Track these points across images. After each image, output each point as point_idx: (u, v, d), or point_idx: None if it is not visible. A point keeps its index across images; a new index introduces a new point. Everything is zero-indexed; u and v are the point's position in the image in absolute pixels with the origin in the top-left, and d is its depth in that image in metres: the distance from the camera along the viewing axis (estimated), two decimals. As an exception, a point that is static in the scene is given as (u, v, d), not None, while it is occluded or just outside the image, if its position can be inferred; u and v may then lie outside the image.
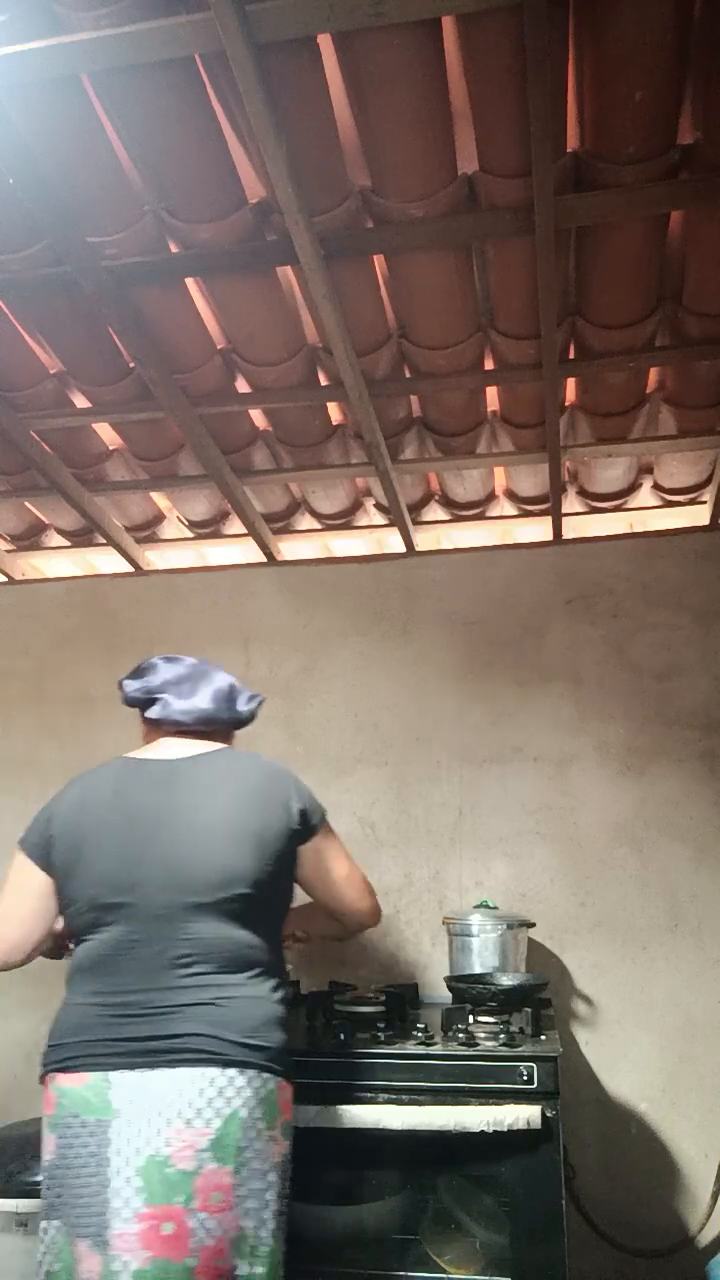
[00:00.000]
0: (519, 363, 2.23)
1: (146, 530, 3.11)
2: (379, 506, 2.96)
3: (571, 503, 2.92)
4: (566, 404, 2.47)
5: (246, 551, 3.18)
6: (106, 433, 2.65)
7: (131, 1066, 1.63)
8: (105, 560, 3.31)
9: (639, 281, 2.01)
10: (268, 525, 3.00)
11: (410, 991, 2.56)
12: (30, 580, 3.34)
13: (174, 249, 1.94)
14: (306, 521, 3.07)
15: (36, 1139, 2.29)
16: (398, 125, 1.64)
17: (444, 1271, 2.04)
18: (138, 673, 2.00)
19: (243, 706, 2.00)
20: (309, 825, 1.88)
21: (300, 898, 1.93)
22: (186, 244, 1.91)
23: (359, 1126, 2.02)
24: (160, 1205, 1.55)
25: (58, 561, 3.37)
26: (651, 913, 2.71)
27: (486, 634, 2.98)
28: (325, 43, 1.58)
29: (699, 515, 2.91)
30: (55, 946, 1.93)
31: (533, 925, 2.62)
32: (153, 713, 1.94)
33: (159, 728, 1.96)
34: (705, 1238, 2.51)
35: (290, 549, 3.18)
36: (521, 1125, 1.98)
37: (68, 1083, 1.65)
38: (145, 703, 1.96)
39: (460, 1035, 2.15)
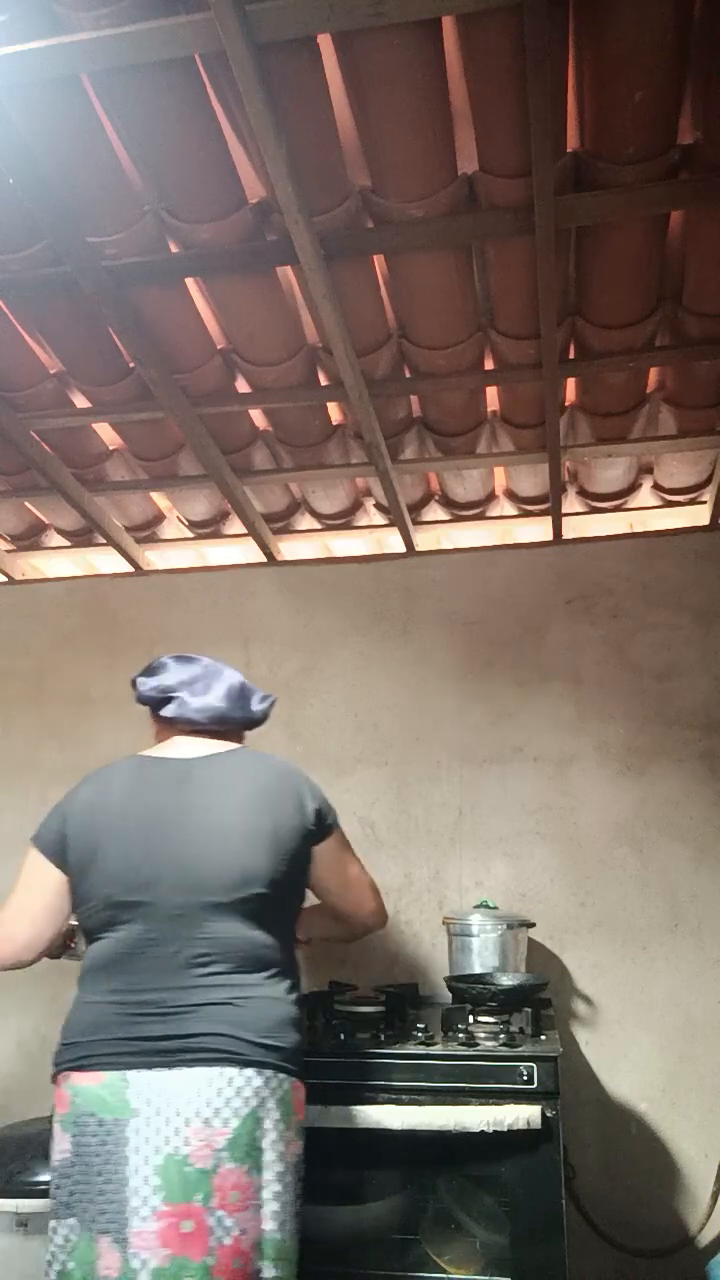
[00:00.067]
0: (519, 363, 2.24)
1: (146, 530, 3.11)
2: (379, 506, 2.96)
3: (571, 503, 2.92)
4: (566, 404, 2.47)
5: (246, 551, 3.18)
6: (106, 433, 2.65)
7: (149, 1066, 1.63)
8: (105, 560, 3.31)
9: (639, 281, 2.01)
10: (268, 525, 3.01)
11: (410, 991, 2.56)
12: (30, 580, 3.34)
13: (174, 249, 1.94)
14: (306, 521, 3.07)
15: (37, 1139, 2.30)
16: (398, 125, 1.64)
17: (444, 1271, 2.04)
18: (150, 671, 2.01)
19: (256, 706, 2.01)
20: (323, 825, 1.89)
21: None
22: (186, 244, 1.91)
23: (359, 1126, 2.02)
24: (179, 1204, 1.55)
25: (58, 561, 3.37)
26: (651, 913, 2.71)
27: (486, 634, 2.98)
28: (325, 43, 1.58)
29: (699, 515, 2.91)
30: (59, 945, 1.93)
31: (533, 925, 2.62)
32: (167, 711, 1.94)
33: (172, 726, 1.96)
34: (705, 1238, 2.51)
35: (290, 549, 3.18)
36: (521, 1125, 1.98)
37: (83, 1081, 1.65)
38: (159, 701, 1.96)
39: (460, 1035, 2.15)
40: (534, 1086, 2.02)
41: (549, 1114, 2.00)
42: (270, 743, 2.70)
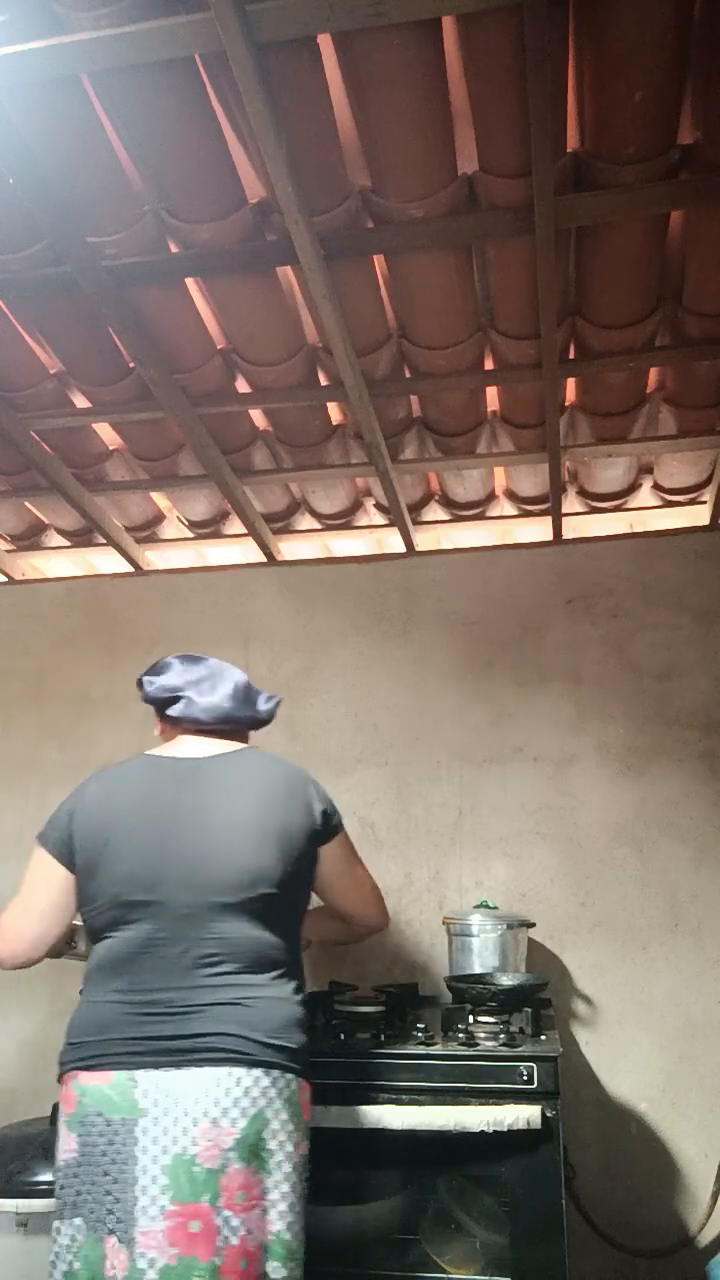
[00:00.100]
0: (519, 363, 2.23)
1: (146, 530, 3.11)
2: (379, 506, 2.96)
3: (571, 503, 2.92)
4: (566, 404, 2.47)
5: (246, 551, 3.18)
6: (106, 433, 2.65)
7: (157, 1065, 1.63)
8: (105, 560, 3.31)
9: (639, 281, 2.01)
10: (268, 525, 3.00)
11: (410, 991, 2.56)
12: (30, 580, 3.34)
13: (174, 249, 1.94)
14: (306, 521, 3.07)
15: (36, 1139, 2.30)
16: (398, 125, 1.64)
17: (444, 1271, 2.04)
18: (156, 671, 2.01)
19: (262, 706, 2.01)
20: (330, 826, 1.90)
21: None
22: (186, 244, 1.91)
23: (359, 1126, 2.02)
24: (188, 1204, 1.55)
25: (58, 561, 3.37)
26: (651, 913, 2.71)
27: (486, 634, 2.98)
28: (325, 43, 1.58)
29: (699, 515, 2.91)
30: (61, 944, 1.93)
31: (533, 925, 2.62)
32: (174, 711, 1.94)
33: (178, 725, 1.97)
34: (705, 1238, 2.51)
35: (290, 549, 3.18)
36: (521, 1125, 1.98)
37: (90, 1081, 1.65)
38: (166, 701, 1.96)
39: (460, 1035, 2.15)
40: (534, 1086, 2.02)
41: (549, 1114, 2.00)
42: (270, 742, 2.70)
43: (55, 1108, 2.36)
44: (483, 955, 2.49)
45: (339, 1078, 2.06)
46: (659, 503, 2.90)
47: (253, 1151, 1.60)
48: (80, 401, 2.44)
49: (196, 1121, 1.59)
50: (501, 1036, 2.14)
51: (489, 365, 2.30)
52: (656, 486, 2.84)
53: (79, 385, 2.37)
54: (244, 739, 2.01)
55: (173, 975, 1.69)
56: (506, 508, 2.95)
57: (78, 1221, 1.61)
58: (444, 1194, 2.10)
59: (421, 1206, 2.09)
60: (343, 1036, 2.17)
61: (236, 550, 3.20)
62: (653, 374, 2.41)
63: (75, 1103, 1.66)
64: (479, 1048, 2.10)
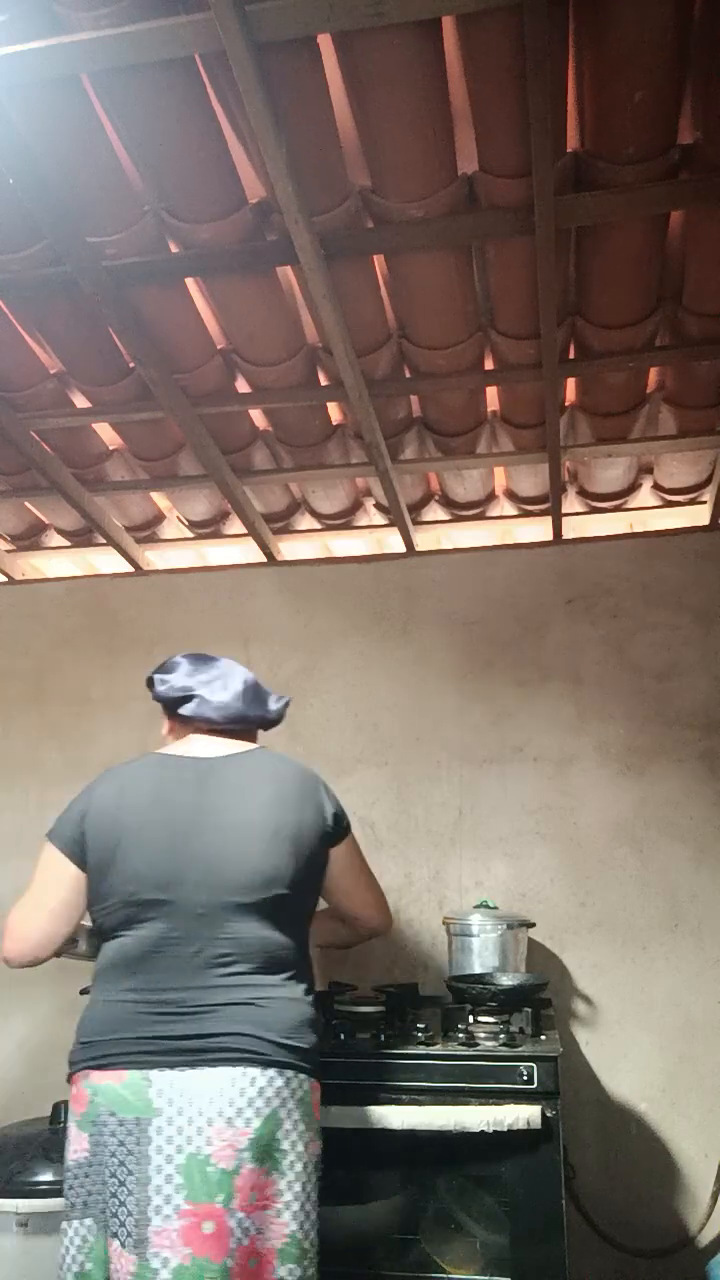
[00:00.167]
0: (519, 363, 2.23)
1: (146, 530, 3.11)
2: (379, 506, 2.96)
3: (571, 503, 2.92)
4: (566, 404, 2.47)
5: (246, 551, 3.18)
6: (106, 433, 2.65)
7: (172, 1065, 1.63)
8: (105, 560, 3.31)
9: (639, 281, 2.01)
10: (268, 525, 3.00)
11: (410, 991, 2.56)
12: (30, 580, 3.34)
13: (174, 249, 1.94)
14: (306, 521, 3.07)
15: (36, 1139, 2.30)
16: (398, 125, 1.64)
17: (444, 1271, 2.04)
18: (166, 670, 2.01)
19: (273, 706, 2.02)
20: (340, 828, 1.91)
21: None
22: (186, 244, 1.91)
23: (359, 1127, 2.02)
24: (201, 1204, 1.55)
25: (58, 561, 3.37)
26: (651, 913, 2.71)
27: (486, 634, 2.98)
28: (325, 43, 1.58)
29: (699, 515, 2.91)
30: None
31: (533, 925, 2.62)
32: (186, 710, 1.95)
33: (188, 724, 1.97)
34: (705, 1238, 2.50)
35: (290, 549, 3.18)
36: (521, 1125, 1.98)
37: (103, 1080, 1.64)
38: (178, 700, 1.96)
39: (460, 1035, 2.15)
40: (534, 1086, 2.02)
41: (549, 1114, 2.00)
42: (270, 742, 2.70)
43: (56, 1108, 2.37)
44: (483, 955, 2.49)
45: (339, 1078, 2.06)
46: (659, 503, 2.90)
47: (266, 1152, 1.60)
48: (80, 401, 2.44)
49: (211, 1121, 1.59)
50: (501, 1036, 2.14)
51: (489, 365, 2.30)
52: (656, 486, 2.84)
53: (79, 385, 2.37)
54: (253, 739, 2.01)
55: (186, 975, 1.69)
56: (506, 508, 2.95)
57: (89, 1222, 1.61)
58: (444, 1194, 2.10)
59: (422, 1206, 2.09)
60: (343, 1036, 2.17)
61: (236, 550, 3.20)
62: (653, 374, 2.41)
63: (87, 1102, 1.65)
64: (479, 1048, 2.10)
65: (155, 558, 3.26)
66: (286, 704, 2.05)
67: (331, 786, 1.95)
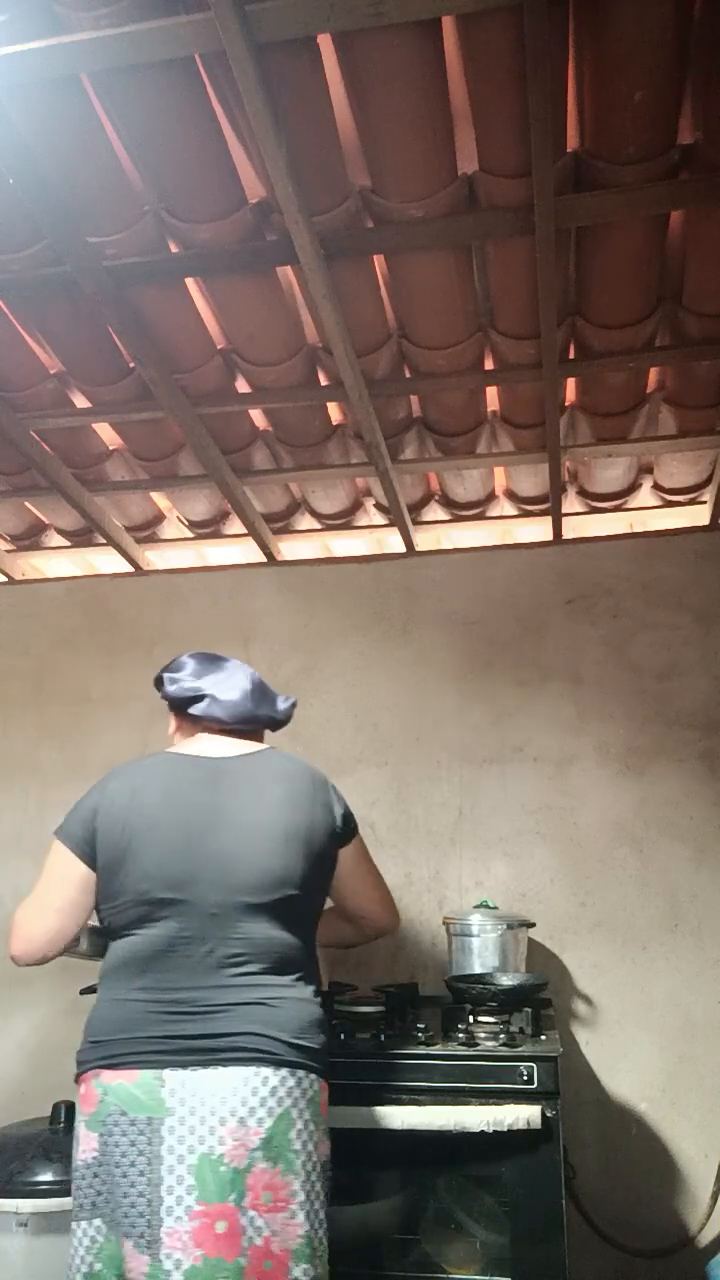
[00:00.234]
0: (519, 363, 2.23)
1: (146, 530, 3.11)
2: (379, 506, 2.96)
3: (571, 503, 2.92)
4: (566, 404, 2.47)
5: (246, 551, 3.18)
6: (106, 433, 2.65)
7: (184, 1065, 1.62)
8: (105, 560, 3.31)
9: (639, 281, 2.01)
10: (268, 525, 3.00)
11: (410, 991, 2.56)
12: (30, 580, 3.34)
13: (174, 249, 1.94)
14: (306, 521, 3.07)
15: (36, 1139, 2.30)
16: (398, 125, 1.64)
17: (444, 1271, 2.04)
18: (174, 669, 2.01)
19: (281, 706, 2.02)
20: (348, 829, 1.92)
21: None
22: (186, 244, 1.91)
23: (359, 1127, 2.02)
24: (214, 1204, 1.55)
25: (58, 561, 3.37)
26: (651, 913, 2.71)
27: (486, 634, 2.98)
28: (325, 43, 1.58)
29: (699, 515, 2.91)
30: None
31: (533, 925, 2.62)
32: (197, 709, 1.94)
33: (197, 724, 1.97)
34: (705, 1238, 2.50)
35: (290, 549, 3.18)
36: (521, 1125, 1.98)
37: (115, 1080, 1.64)
38: (188, 700, 1.96)
39: (460, 1035, 2.15)
40: (534, 1086, 2.02)
41: (549, 1114, 2.00)
42: (272, 742, 2.70)
43: (56, 1108, 2.37)
44: (483, 955, 2.49)
45: (339, 1078, 2.05)
46: (659, 503, 2.90)
47: (278, 1151, 1.60)
48: (80, 401, 2.44)
49: (224, 1121, 1.59)
50: (501, 1036, 2.14)
51: (489, 365, 2.30)
52: (656, 486, 2.84)
53: (79, 385, 2.37)
54: (260, 739, 2.01)
55: (198, 974, 1.69)
56: (506, 508, 2.95)
57: (98, 1222, 1.61)
58: (444, 1194, 2.10)
59: (422, 1206, 2.09)
60: (343, 1036, 2.17)
61: (236, 550, 3.20)
62: (653, 374, 2.41)
63: (97, 1101, 1.64)
64: (479, 1048, 2.10)
65: (155, 558, 3.26)
66: (293, 705, 2.05)
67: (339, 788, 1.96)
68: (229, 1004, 1.67)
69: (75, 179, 1.75)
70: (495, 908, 2.63)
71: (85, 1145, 1.65)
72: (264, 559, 3.14)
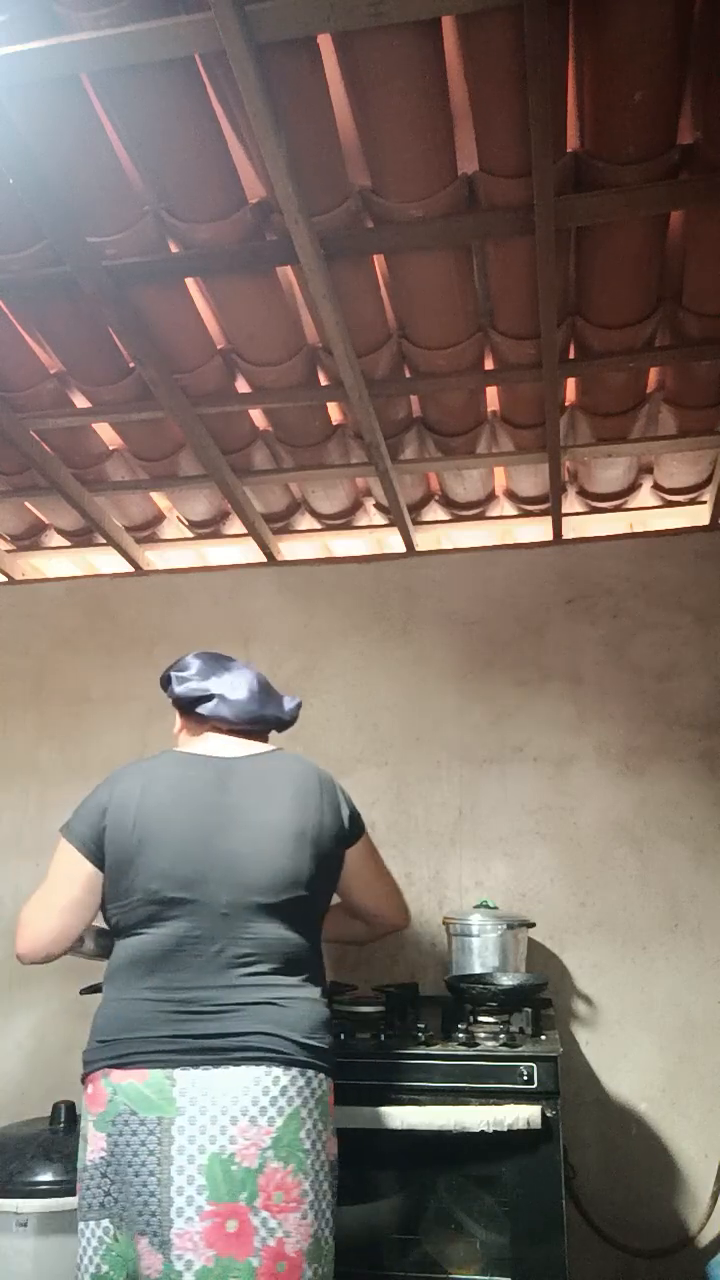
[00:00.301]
0: (519, 363, 2.23)
1: (146, 530, 3.11)
2: (379, 506, 2.96)
3: (571, 503, 2.92)
4: (566, 404, 2.47)
5: (246, 551, 3.18)
6: (106, 433, 2.65)
7: (195, 1064, 1.62)
8: (105, 560, 3.31)
9: (639, 281, 2.01)
10: (268, 525, 3.00)
11: (410, 991, 2.55)
12: (30, 580, 3.34)
13: (174, 249, 1.94)
14: (306, 521, 3.07)
15: (36, 1139, 2.30)
16: (398, 125, 1.64)
17: (444, 1271, 2.04)
18: (181, 669, 2.02)
19: (287, 706, 2.03)
20: (356, 829, 1.92)
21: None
22: (186, 244, 1.91)
23: (359, 1126, 2.02)
24: (224, 1203, 1.55)
25: (58, 561, 3.37)
26: (651, 913, 2.71)
27: (486, 634, 2.98)
28: (325, 43, 1.58)
29: (699, 515, 2.91)
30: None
31: (533, 925, 2.62)
32: (205, 709, 1.95)
33: (204, 723, 1.97)
34: (705, 1238, 2.50)
35: (290, 549, 3.18)
36: (521, 1125, 1.98)
37: (125, 1079, 1.63)
38: (196, 700, 1.97)
39: (460, 1035, 2.15)
40: (534, 1086, 2.02)
41: (549, 1114, 2.00)
42: (276, 743, 2.70)
43: (56, 1108, 2.37)
44: (483, 955, 2.49)
45: (339, 1078, 2.06)
46: (659, 503, 2.90)
47: (290, 1151, 1.60)
48: (80, 401, 2.44)
49: (235, 1120, 1.58)
50: (501, 1036, 2.14)
51: (489, 365, 2.30)
52: (656, 486, 2.84)
53: (79, 385, 2.37)
54: (265, 739, 2.02)
55: (207, 974, 1.69)
56: (506, 508, 2.95)
57: (105, 1223, 1.60)
58: (444, 1194, 2.10)
59: (422, 1206, 2.09)
60: (343, 1036, 2.17)
61: (236, 550, 3.20)
62: (653, 374, 2.40)
63: (106, 1101, 1.64)
64: (479, 1048, 2.09)
65: (155, 558, 3.26)
66: (299, 705, 2.06)
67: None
68: (239, 1004, 1.67)
69: (75, 179, 1.75)
70: (495, 908, 2.63)
71: (93, 1145, 1.64)
72: (264, 559, 3.14)
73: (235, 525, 3.04)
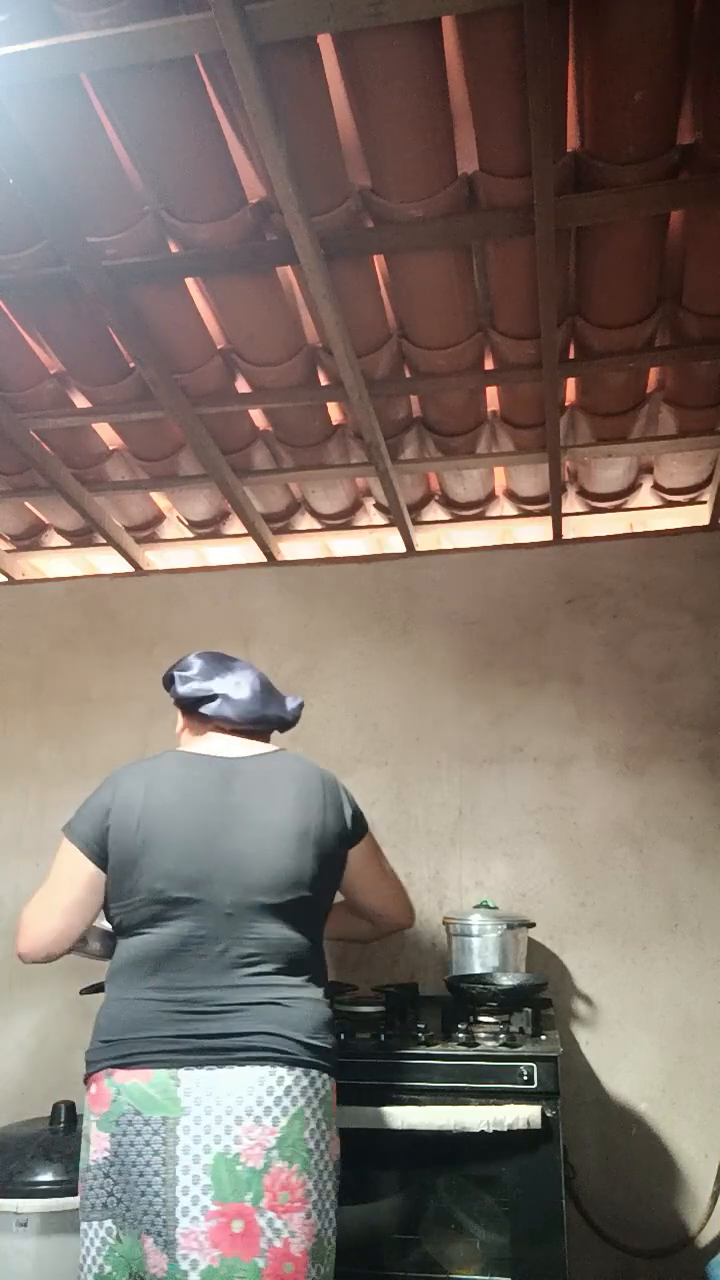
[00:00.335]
0: (519, 363, 2.23)
1: (146, 530, 3.11)
2: (379, 506, 2.96)
3: (571, 503, 2.92)
4: (566, 404, 2.47)
5: (246, 551, 3.18)
6: (106, 433, 2.65)
7: (199, 1064, 1.62)
8: (105, 560, 3.31)
9: (639, 281, 2.01)
10: (268, 525, 3.00)
11: (410, 991, 2.55)
12: (30, 580, 3.34)
13: (174, 249, 1.94)
14: (306, 521, 3.07)
15: (36, 1139, 2.30)
16: (398, 125, 1.64)
17: (444, 1271, 2.04)
18: (183, 669, 2.02)
19: (290, 706, 2.03)
20: (359, 829, 1.92)
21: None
22: (186, 244, 1.91)
23: (359, 1127, 2.02)
24: (230, 1203, 1.54)
25: (58, 561, 3.37)
26: (651, 913, 2.71)
27: (486, 634, 2.98)
28: (325, 43, 1.58)
29: (699, 515, 2.91)
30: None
31: (533, 925, 2.62)
32: (208, 709, 1.95)
33: (207, 723, 1.97)
34: (705, 1238, 2.50)
35: (290, 549, 3.18)
36: (522, 1125, 1.98)
37: (128, 1079, 1.63)
38: (199, 700, 1.97)
39: (460, 1035, 2.15)
40: (534, 1086, 2.02)
41: (549, 1114, 2.00)
42: (278, 743, 2.70)
43: (56, 1108, 2.37)
44: (483, 955, 2.49)
45: (339, 1078, 2.06)
46: (659, 503, 2.90)
47: (294, 1150, 1.60)
48: (80, 401, 2.44)
49: (240, 1120, 1.58)
50: (502, 1036, 2.14)
51: (489, 365, 2.30)
52: (656, 486, 2.84)
53: (79, 385, 2.37)
54: (268, 739, 2.02)
55: (211, 974, 1.69)
56: (506, 508, 2.95)
57: (108, 1224, 1.60)
58: (444, 1194, 2.10)
59: (422, 1206, 2.09)
60: (343, 1036, 2.17)
61: (236, 550, 3.20)
62: (653, 374, 2.40)
63: (110, 1101, 1.63)
64: (479, 1048, 2.09)
65: (155, 558, 3.26)
66: (301, 705, 2.06)
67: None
68: (243, 1003, 1.67)
69: (75, 179, 1.75)
70: (495, 908, 2.63)
71: (96, 1145, 1.64)
72: (264, 559, 3.14)
73: (235, 525, 3.04)
